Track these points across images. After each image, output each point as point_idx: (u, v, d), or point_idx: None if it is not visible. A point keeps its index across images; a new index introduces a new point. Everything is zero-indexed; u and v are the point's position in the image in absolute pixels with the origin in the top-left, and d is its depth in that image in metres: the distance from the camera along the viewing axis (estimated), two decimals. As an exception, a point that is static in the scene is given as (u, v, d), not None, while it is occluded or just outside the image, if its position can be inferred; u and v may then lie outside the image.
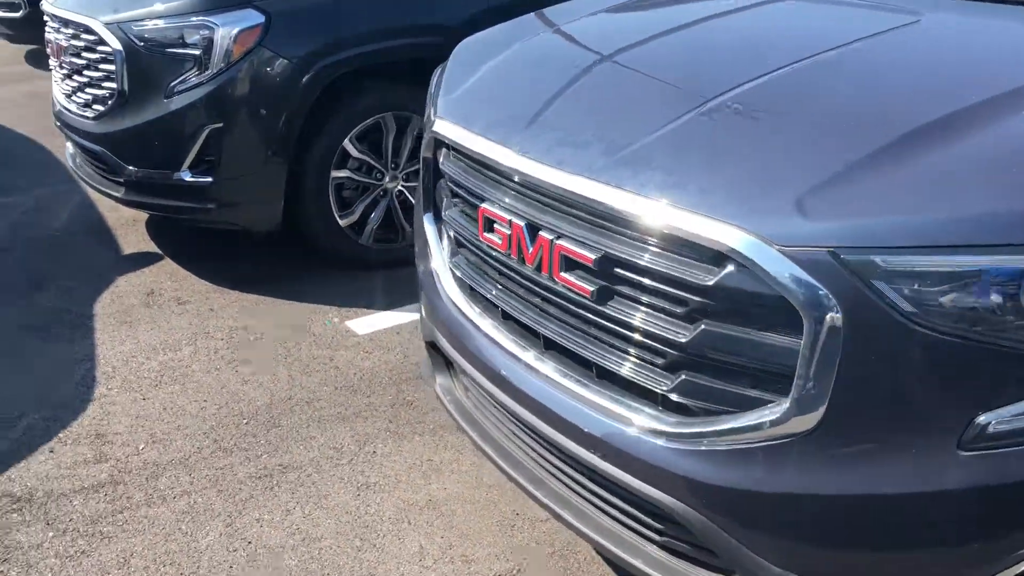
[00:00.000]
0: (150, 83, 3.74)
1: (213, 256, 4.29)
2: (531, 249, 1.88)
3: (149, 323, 3.69)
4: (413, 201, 4.11)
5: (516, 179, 1.92)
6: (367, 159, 4.00)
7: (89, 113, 3.99)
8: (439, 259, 2.33)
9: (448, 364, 2.49)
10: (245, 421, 3.06)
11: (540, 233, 1.85)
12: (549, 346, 1.96)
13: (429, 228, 2.40)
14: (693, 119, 1.77)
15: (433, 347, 2.47)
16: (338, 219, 4.00)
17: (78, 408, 3.12)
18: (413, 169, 4.10)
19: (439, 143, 2.29)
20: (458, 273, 2.22)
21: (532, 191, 1.88)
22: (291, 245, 4.20)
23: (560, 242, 1.80)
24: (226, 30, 3.61)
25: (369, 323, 3.72)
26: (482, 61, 2.42)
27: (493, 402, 2.19)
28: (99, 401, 3.16)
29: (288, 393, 3.23)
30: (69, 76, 4.12)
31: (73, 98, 4.13)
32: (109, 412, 3.10)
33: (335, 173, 3.93)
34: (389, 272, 4.13)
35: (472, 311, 2.18)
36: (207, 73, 3.64)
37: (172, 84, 3.68)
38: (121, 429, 3.01)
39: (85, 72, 3.98)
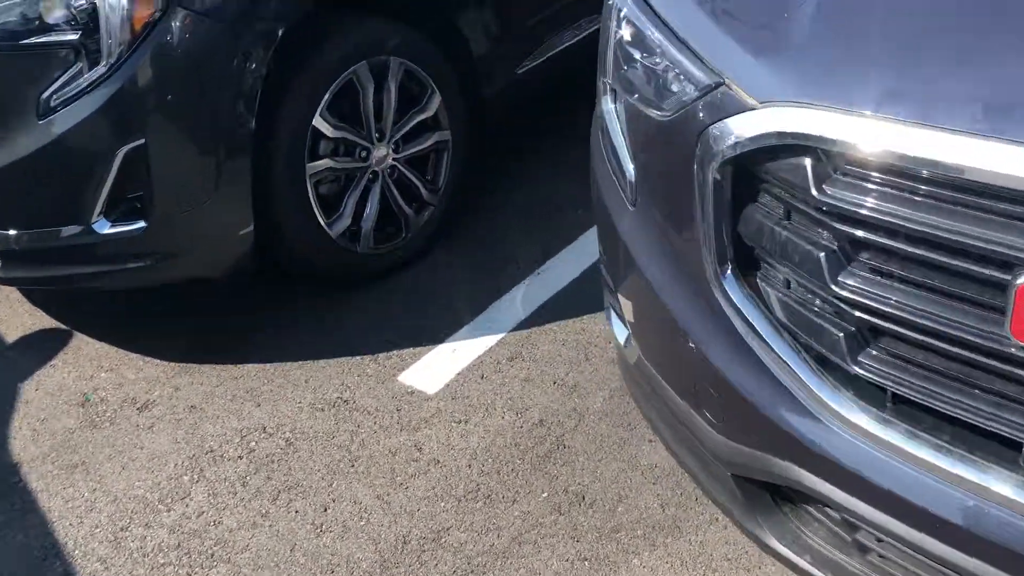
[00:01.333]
0: (6, 100, 2.37)
1: (142, 310, 2.99)
2: None
3: (113, 456, 2.45)
4: (411, 177, 2.97)
5: None
6: (346, 135, 2.79)
7: (-95, 160, 2.56)
8: (787, 354, 1.30)
9: (777, 502, 1.50)
10: (364, 606, 1.97)
11: None
12: None
13: (738, 297, 1.35)
14: None
15: (756, 483, 1.47)
16: (327, 230, 2.81)
17: (86, 661, 1.94)
18: (403, 133, 2.92)
19: (772, 152, 1.21)
20: (895, 390, 1.20)
21: None
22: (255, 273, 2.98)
23: None
24: (114, -8, 2.27)
25: (432, 371, 2.61)
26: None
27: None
28: (113, 635, 1.98)
29: (395, 531, 2.13)
30: None
31: None
32: (140, 653, 1.94)
33: (312, 166, 2.72)
34: (401, 281, 3.00)
35: (924, 453, 1.19)
36: (100, 67, 2.31)
37: (46, 96, 2.32)
38: None
39: None
